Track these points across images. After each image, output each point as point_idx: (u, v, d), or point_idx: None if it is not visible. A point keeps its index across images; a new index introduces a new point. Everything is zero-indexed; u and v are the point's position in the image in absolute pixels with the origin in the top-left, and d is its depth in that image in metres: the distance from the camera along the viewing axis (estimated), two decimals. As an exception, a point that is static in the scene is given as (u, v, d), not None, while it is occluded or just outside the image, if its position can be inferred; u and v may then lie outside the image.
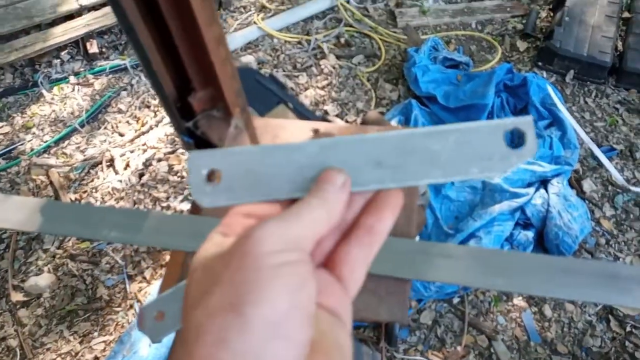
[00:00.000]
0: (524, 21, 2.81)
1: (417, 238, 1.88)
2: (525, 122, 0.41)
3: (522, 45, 2.72)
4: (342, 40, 2.79)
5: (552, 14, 2.81)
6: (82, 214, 0.86)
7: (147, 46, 0.84)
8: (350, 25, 2.85)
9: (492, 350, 1.85)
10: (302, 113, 1.10)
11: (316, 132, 0.84)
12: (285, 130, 0.84)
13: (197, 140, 0.95)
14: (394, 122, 2.36)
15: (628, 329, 1.85)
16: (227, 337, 0.30)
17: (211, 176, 0.43)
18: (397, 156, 0.41)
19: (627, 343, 1.83)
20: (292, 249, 0.34)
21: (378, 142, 0.41)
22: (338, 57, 2.71)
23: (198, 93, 0.91)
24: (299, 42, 2.80)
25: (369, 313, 0.64)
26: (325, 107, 2.50)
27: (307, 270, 0.34)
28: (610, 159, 2.24)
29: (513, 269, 0.64)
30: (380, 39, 2.76)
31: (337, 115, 2.47)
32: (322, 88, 2.58)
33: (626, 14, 2.71)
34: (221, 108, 0.92)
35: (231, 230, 0.39)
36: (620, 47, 2.59)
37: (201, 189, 0.41)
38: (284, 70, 2.65)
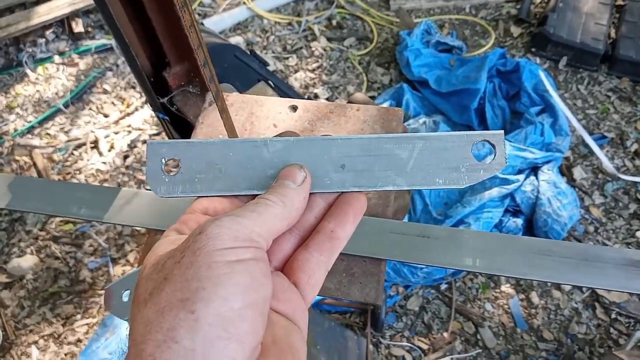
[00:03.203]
0: (518, 6, 2.77)
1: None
2: (495, 135, 0.40)
3: (515, 30, 2.68)
4: (334, 22, 2.74)
5: (546, 0, 2.77)
6: (51, 190, 0.84)
7: (120, 18, 0.81)
8: (342, 7, 2.80)
9: (478, 337, 1.84)
10: (284, 91, 1.07)
11: (295, 109, 0.81)
12: (262, 106, 0.81)
13: (172, 117, 0.92)
14: (385, 106, 2.33)
15: (613, 315, 1.85)
16: (176, 336, 0.28)
17: (170, 166, 0.41)
18: (362, 160, 0.40)
19: (611, 330, 1.83)
20: (247, 246, 0.32)
21: (344, 144, 0.40)
22: (329, 40, 2.66)
23: (173, 68, 0.88)
24: (290, 24, 2.75)
25: (340, 293, 0.62)
26: (316, 90, 2.46)
27: (261, 268, 0.32)
28: (601, 146, 2.22)
29: (491, 250, 0.62)
30: (373, 22, 2.72)
31: (327, 99, 2.44)
32: (313, 71, 2.54)
33: (620, 2, 2.68)
34: (197, 84, 0.89)
35: (187, 227, 0.38)
36: (613, 34, 2.57)
37: (158, 178, 0.40)
38: (273, 52, 2.61)
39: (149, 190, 2.30)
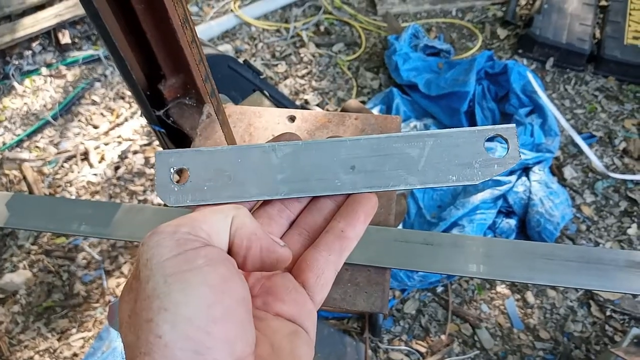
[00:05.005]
0: (504, 9, 2.80)
1: (400, 227, 1.86)
2: (508, 129, 0.40)
3: (502, 32, 2.71)
4: (322, 28, 2.75)
5: (531, 2, 2.80)
6: (50, 207, 0.83)
7: (114, 31, 0.80)
8: (330, 13, 2.81)
9: (476, 338, 1.85)
10: (279, 100, 1.07)
11: (293, 119, 0.81)
12: (260, 117, 0.81)
13: (168, 130, 0.92)
14: (375, 111, 2.34)
15: (608, 313, 1.87)
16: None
17: (179, 175, 0.41)
18: (372, 160, 0.40)
19: (607, 327, 1.85)
20: (194, 247, 0.30)
21: (353, 144, 0.40)
22: (318, 46, 2.67)
23: (168, 80, 0.88)
24: (278, 30, 2.75)
25: (345, 303, 0.62)
26: (306, 97, 2.46)
27: (220, 273, 0.30)
28: (590, 145, 2.25)
29: (495, 255, 0.63)
30: (361, 27, 2.73)
31: (317, 105, 2.44)
32: (302, 77, 2.55)
33: (603, 2, 2.72)
34: (193, 96, 0.89)
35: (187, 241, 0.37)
36: (598, 34, 2.60)
37: (167, 188, 0.40)
38: (262, 59, 2.61)
39: (143, 202, 2.26)
